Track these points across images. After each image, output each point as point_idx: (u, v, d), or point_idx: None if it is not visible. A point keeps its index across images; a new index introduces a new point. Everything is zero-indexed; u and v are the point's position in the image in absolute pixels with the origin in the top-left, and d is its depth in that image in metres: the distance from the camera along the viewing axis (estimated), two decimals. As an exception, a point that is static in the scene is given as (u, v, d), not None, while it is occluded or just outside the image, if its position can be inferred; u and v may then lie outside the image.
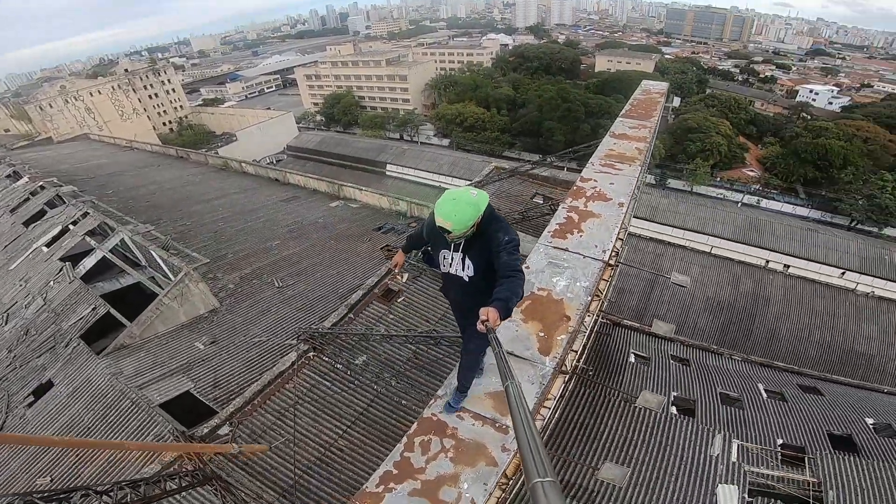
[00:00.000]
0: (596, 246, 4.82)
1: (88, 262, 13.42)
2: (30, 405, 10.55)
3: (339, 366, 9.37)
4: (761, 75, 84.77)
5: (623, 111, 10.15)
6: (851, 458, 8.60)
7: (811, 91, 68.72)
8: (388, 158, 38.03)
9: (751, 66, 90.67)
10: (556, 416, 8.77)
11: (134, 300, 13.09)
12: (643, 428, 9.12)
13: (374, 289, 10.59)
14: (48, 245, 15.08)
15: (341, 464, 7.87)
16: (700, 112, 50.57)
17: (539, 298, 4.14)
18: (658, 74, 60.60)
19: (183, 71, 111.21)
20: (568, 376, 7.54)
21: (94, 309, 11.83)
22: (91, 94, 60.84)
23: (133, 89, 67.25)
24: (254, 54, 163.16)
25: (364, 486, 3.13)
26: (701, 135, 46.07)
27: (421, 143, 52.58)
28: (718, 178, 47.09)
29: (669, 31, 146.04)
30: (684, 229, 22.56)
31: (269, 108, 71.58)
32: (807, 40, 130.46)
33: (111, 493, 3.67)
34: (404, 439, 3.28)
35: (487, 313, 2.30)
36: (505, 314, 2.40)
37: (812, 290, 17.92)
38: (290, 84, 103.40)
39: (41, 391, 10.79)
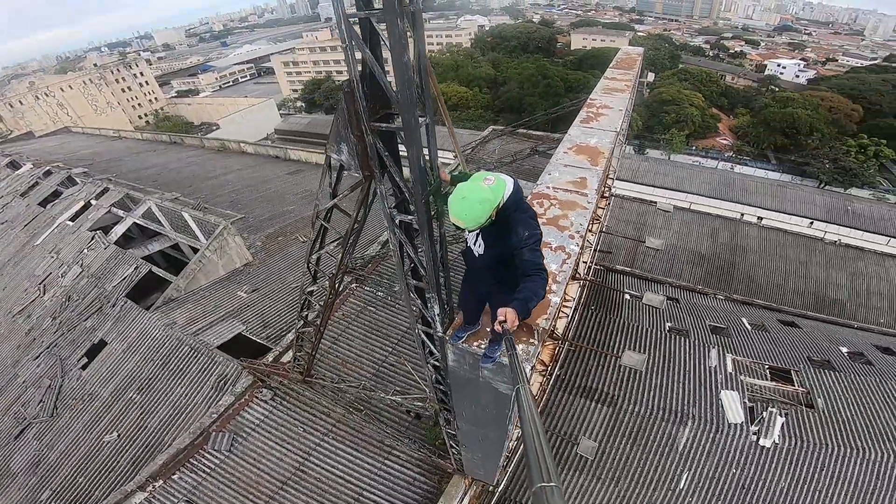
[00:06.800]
0: (608, 126, 6.90)
1: (119, 229, 14.11)
2: (84, 367, 11.15)
3: (380, 293, 10.57)
4: (731, 51, 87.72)
5: (610, 65, 11.94)
6: (833, 373, 9.87)
7: (779, 65, 71.62)
8: (378, 137, 38.74)
9: (721, 42, 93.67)
10: (576, 318, 10.20)
11: (162, 266, 13.89)
12: (646, 335, 10.59)
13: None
14: (72, 219, 15.62)
15: (394, 376, 9.07)
16: (674, 86, 52.72)
17: (582, 146, 6.29)
18: (632, 50, 62.24)
19: (150, 64, 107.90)
20: (582, 282, 8.97)
21: (136, 268, 12.58)
22: (62, 90, 59.48)
23: (105, 83, 65.78)
24: (223, 45, 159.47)
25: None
26: (675, 106, 48.24)
27: (406, 123, 53.27)
28: (693, 147, 49.51)
29: (641, 9, 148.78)
30: (664, 188, 24.24)
31: (246, 97, 70.83)
32: (774, 17, 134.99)
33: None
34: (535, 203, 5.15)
35: (506, 314, 2.29)
36: (524, 315, 2.42)
37: (784, 239, 19.38)
38: (266, 72, 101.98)
39: (94, 352, 11.33)
